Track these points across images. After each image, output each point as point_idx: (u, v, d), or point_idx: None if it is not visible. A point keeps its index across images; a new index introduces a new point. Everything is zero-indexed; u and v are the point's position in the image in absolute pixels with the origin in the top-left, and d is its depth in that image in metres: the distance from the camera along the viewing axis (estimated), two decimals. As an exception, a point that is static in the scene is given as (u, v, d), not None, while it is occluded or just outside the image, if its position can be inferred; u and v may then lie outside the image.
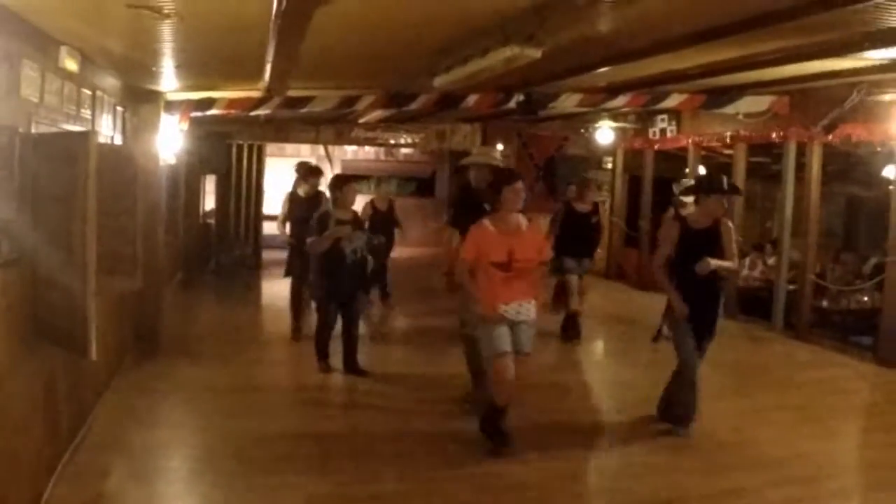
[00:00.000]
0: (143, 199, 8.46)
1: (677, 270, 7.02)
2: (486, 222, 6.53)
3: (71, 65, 5.87)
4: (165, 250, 10.14)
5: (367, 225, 11.06)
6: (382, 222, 12.24)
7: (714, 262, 6.84)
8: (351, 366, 8.79)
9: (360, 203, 11.99)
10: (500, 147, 9.76)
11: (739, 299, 13.11)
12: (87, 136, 4.78)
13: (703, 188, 7.20)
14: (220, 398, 7.91)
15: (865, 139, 10.40)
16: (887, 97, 9.35)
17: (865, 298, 12.26)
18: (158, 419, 7.27)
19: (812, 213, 11.25)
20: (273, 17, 4.67)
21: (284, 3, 4.21)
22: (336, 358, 8.87)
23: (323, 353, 8.82)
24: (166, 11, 4.63)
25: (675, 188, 10.75)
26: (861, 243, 15.98)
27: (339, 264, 8.46)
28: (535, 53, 5.77)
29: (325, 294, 8.67)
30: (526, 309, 6.53)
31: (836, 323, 12.12)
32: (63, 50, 5.73)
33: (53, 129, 5.58)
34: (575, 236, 10.74)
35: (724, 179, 7.35)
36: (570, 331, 10.84)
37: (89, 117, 6.68)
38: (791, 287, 11.90)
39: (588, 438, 7.27)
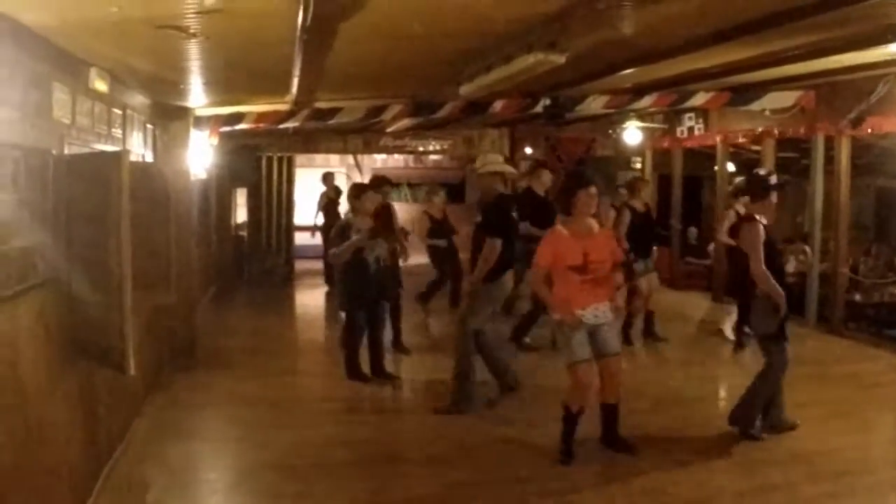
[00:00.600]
0: (175, 214, 8.60)
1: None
2: (560, 227, 6.55)
3: (101, 86, 5.97)
4: (198, 264, 10.26)
5: (427, 234, 12.09)
6: (440, 230, 12.52)
7: None
8: (378, 370, 8.93)
9: (400, 211, 12.16)
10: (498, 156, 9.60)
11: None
12: (118, 156, 4.86)
13: (763, 186, 7.13)
14: (255, 409, 7.99)
15: (894, 131, 10.35)
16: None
17: (898, 291, 12.19)
18: (196, 432, 7.38)
19: (842, 206, 11.19)
20: (298, 33, 4.75)
21: (309, 20, 4.28)
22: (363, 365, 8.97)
23: (354, 366, 8.88)
24: (192, 31, 4.71)
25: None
26: (893, 235, 15.86)
27: (363, 273, 8.67)
28: (559, 59, 5.79)
29: (351, 302, 8.88)
30: (603, 312, 6.51)
31: (869, 316, 12.05)
32: (93, 71, 5.82)
33: (86, 150, 5.67)
34: (641, 236, 10.69)
35: (774, 175, 7.32)
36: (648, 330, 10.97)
37: (120, 136, 6.78)
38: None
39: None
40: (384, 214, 9.69)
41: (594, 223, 6.63)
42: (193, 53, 5.64)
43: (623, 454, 6.59)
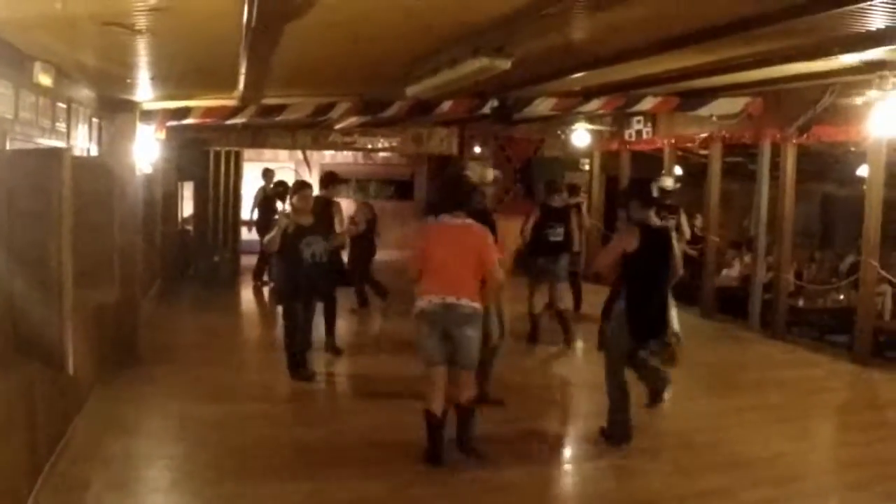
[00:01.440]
0: (119, 209, 8.49)
1: None
2: None
3: (45, 80, 5.87)
4: (143, 259, 10.10)
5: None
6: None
7: None
8: (330, 342, 9.68)
9: (348, 208, 12.09)
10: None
11: (717, 299, 13.21)
12: (60, 154, 4.79)
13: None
14: (198, 406, 7.88)
15: (839, 140, 10.51)
16: (859, 100, 9.43)
17: (841, 297, 12.36)
18: (137, 429, 7.27)
19: (787, 213, 11.33)
20: (244, 31, 4.70)
21: (254, 19, 4.24)
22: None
23: (292, 362, 8.82)
24: (139, 28, 4.65)
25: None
26: (838, 241, 16.11)
27: (296, 267, 8.67)
28: (505, 64, 5.80)
29: (287, 294, 8.91)
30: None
31: (812, 322, 12.23)
32: (37, 65, 5.73)
33: (29, 145, 5.58)
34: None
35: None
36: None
37: (64, 130, 6.67)
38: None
39: (562, 442, 7.40)
40: (326, 211, 9.67)
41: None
42: (139, 49, 5.57)
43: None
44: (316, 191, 10.01)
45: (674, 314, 10.07)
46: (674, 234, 7.61)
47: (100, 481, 5.99)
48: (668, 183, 11.53)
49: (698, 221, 14.37)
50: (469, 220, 6.45)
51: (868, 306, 9.86)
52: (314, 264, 8.72)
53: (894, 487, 6.11)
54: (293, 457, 6.66)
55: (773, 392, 8.83)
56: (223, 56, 5.87)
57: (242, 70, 6.46)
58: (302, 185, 9.24)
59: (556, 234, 10.61)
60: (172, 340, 10.64)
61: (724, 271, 14.59)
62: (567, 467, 6.84)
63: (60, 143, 6.42)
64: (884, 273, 10.02)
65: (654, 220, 7.06)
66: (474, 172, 7.85)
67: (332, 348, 9.97)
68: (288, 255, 8.68)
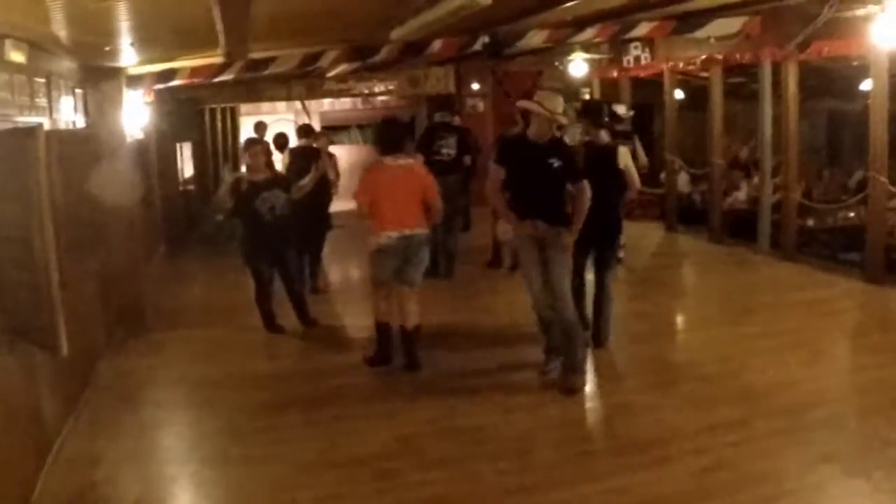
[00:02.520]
0: (111, 178, 8.40)
1: None
2: None
3: (17, 56, 5.72)
4: (143, 225, 10.00)
5: None
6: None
7: None
8: (303, 318, 9.09)
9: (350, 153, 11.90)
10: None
11: (725, 223, 13.08)
12: (34, 132, 4.66)
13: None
14: (206, 370, 7.87)
15: (840, 54, 10.27)
16: (859, 12, 9.17)
17: (851, 214, 12.23)
18: (146, 399, 7.23)
19: (791, 132, 11.12)
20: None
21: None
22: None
23: (267, 318, 8.95)
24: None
25: None
26: (845, 157, 15.92)
27: (256, 224, 8.57)
28: (485, 1, 5.61)
29: (249, 256, 8.80)
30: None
31: (823, 241, 12.10)
32: (7, 43, 5.57)
33: (8, 124, 5.45)
34: None
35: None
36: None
37: (45, 105, 6.53)
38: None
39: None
40: (307, 160, 9.68)
41: None
42: (111, 17, 5.42)
43: None
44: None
45: None
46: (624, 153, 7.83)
47: (110, 456, 5.95)
48: (621, 110, 11.47)
49: (743, 153, 14.18)
50: (410, 161, 7.59)
51: (878, 224, 9.69)
52: (275, 219, 8.59)
53: (909, 411, 6.01)
54: (303, 417, 6.58)
55: (785, 316, 8.73)
56: (197, 14, 5.70)
57: (219, 27, 6.28)
58: (251, 142, 9.19)
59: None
60: (178, 304, 10.57)
61: (732, 194, 14.45)
62: (578, 406, 6.71)
63: (41, 119, 6.27)
64: (893, 189, 9.83)
65: (603, 138, 7.81)
66: (544, 104, 7.23)
67: (305, 319, 9.26)
68: (245, 215, 8.61)
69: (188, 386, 7.55)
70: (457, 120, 11.74)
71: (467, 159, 11.31)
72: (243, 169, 9.67)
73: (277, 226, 8.60)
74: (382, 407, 6.69)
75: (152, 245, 12.36)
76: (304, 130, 11.11)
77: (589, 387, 7.04)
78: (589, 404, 6.79)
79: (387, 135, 7.60)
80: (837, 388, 6.71)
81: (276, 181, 8.77)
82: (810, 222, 12.27)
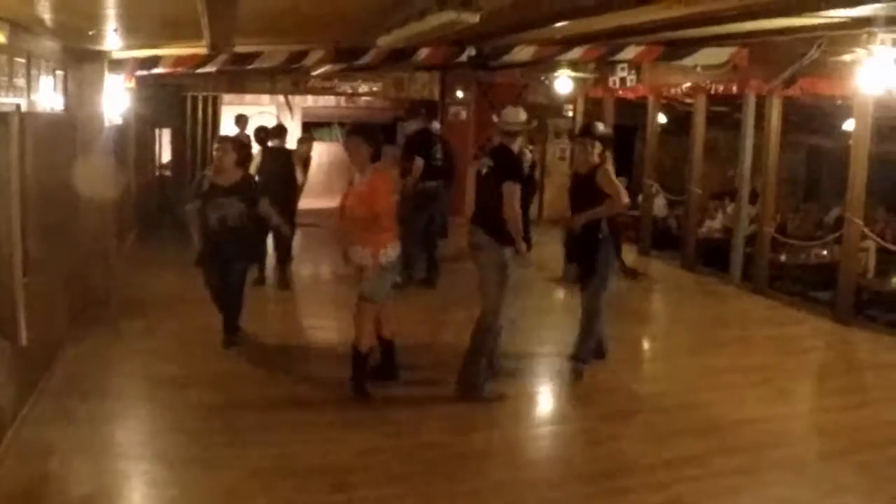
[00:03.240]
0: (87, 162, 8.31)
1: None
2: None
3: (-1, 37, 5.62)
4: (115, 211, 9.87)
5: None
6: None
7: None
8: (227, 328, 8.38)
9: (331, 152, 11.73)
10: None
11: (699, 250, 13.11)
12: (7, 118, 4.59)
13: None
14: (168, 365, 7.74)
15: (825, 94, 10.32)
16: (847, 57, 9.20)
17: (825, 252, 12.27)
18: (105, 389, 7.13)
19: (770, 166, 11.15)
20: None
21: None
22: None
23: (226, 325, 8.37)
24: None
25: None
26: (823, 194, 16.02)
27: (204, 231, 8.08)
28: (473, 18, 5.56)
29: (198, 259, 8.24)
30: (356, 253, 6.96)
31: (795, 277, 12.15)
32: (-13, 23, 5.47)
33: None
34: None
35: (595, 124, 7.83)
36: None
37: (23, 86, 6.41)
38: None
39: (531, 404, 7.32)
40: (285, 162, 9.73)
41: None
42: (96, 3, 5.33)
43: None
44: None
45: None
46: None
47: (65, 445, 5.89)
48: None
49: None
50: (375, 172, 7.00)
51: (850, 264, 9.74)
52: (223, 230, 7.98)
53: (869, 457, 6.01)
54: (261, 420, 6.52)
55: (752, 351, 8.76)
56: (182, 8, 5.62)
57: (205, 22, 6.20)
58: (220, 140, 8.76)
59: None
60: (144, 294, 10.37)
61: (707, 222, 14.50)
62: (532, 433, 6.71)
63: (19, 100, 6.16)
64: (867, 231, 9.89)
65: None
66: (508, 118, 7.55)
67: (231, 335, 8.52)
68: (200, 218, 8.08)
69: (148, 379, 7.46)
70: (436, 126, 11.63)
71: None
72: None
73: (225, 237, 8.01)
74: (343, 416, 6.64)
75: (124, 230, 12.23)
76: (278, 131, 11.09)
77: (551, 411, 7.05)
78: (549, 428, 6.80)
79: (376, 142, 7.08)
80: (799, 429, 6.72)
81: (239, 187, 8.13)
82: (783, 257, 12.30)
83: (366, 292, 6.86)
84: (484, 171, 7.13)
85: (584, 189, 7.45)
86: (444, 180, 11.06)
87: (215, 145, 8.50)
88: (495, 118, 7.30)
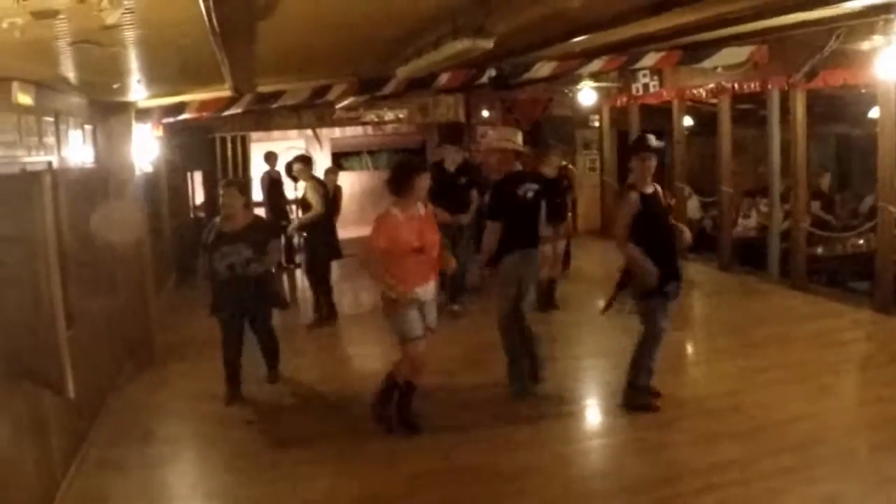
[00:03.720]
0: (120, 213, 8.45)
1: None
2: (394, 209, 6.68)
3: (25, 99, 5.76)
4: (151, 257, 10.02)
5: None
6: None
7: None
8: (270, 373, 8.39)
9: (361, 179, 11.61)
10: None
11: (735, 250, 13.06)
12: (38, 177, 4.71)
13: (635, 148, 7.20)
14: (214, 405, 7.85)
15: (848, 83, 10.27)
16: (865, 45, 9.17)
17: (861, 242, 12.16)
18: (154, 433, 7.26)
19: (800, 160, 11.10)
20: (211, 36, 4.57)
21: (217, 24, 4.11)
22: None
23: (229, 378, 7.99)
24: (104, 43, 4.53)
25: None
26: (855, 182, 15.88)
27: (217, 281, 7.81)
28: (487, 44, 5.65)
29: (213, 306, 7.94)
30: (430, 289, 6.80)
31: (833, 269, 12.06)
32: (15, 85, 5.59)
33: (14, 166, 5.48)
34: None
35: (648, 137, 7.26)
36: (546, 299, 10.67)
37: (53, 144, 6.57)
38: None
39: (576, 419, 7.30)
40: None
41: (421, 205, 6.82)
42: (117, 61, 5.45)
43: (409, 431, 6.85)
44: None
45: None
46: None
47: (118, 492, 6.03)
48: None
49: (825, 181, 13.96)
50: (420, 206, 6.78)
51: (887, 253, 9.63)
52: (234, 279, 7.67)
53: (916, 448, 5.98)
54: (310, 455, 6.60)
55: (792, 348, 8.69)
56: (200, 57, 5.73)
57: (224, 67, 6.33)
58: (226, 185, 8.34)
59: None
60: (187, 337, 10.43)
61: (741, 221, 14.43)
62: (580, 445, 6.73)
63: (50, 158, 6.32)
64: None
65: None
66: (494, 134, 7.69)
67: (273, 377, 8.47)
68: (210, 268, 7.82)
69: (196, 421, 7.59)
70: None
71: (474, 194, 10.84)
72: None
73: (237, 286, 7.71)
74: (384, 445, 6.69)
75: (162, 275, 12.38)
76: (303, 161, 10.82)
77: (596, 424, 7.07)
78: (595, 441, 6.79)
79: (397, 180, 6.75)
80: (843, 424, 6.66)
81: (246, 233, 7.75)
82: (819, 250, 12.21)
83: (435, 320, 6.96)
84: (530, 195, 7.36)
85: (655, 213, 7.01)
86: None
87: (220, 191, 8.20)
88: (481, 138, 7.30)
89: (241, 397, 7.95)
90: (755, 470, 5.82)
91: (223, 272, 7.66)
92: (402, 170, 6.77)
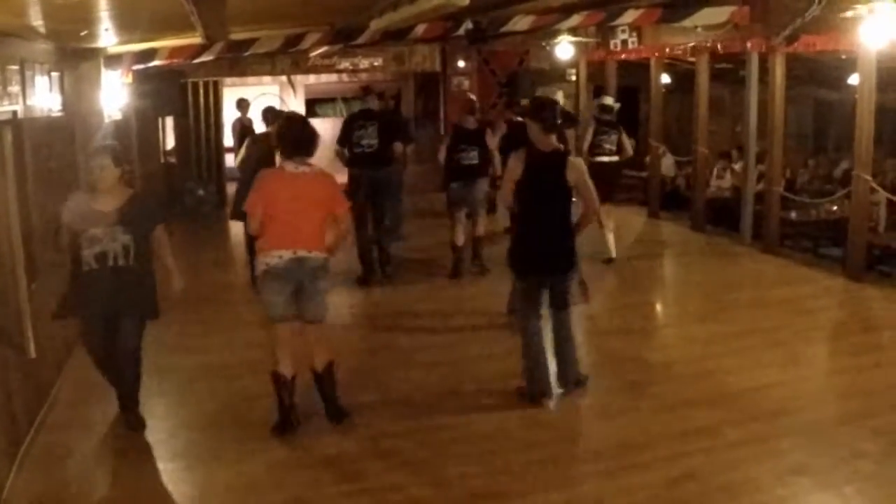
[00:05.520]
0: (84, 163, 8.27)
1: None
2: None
3: (-14, 47, 5.59)
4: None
5: None
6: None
7: None
8: (124, 404, 6.33)
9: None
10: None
11: (708, 210, 13.05)
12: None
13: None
14: (181, 359, 7.74)
15: (828, 49, 10.21)
16: (849, 13, 9.08)
17: (835, 208, 12.20)
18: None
19: (776, 125, 11.07)
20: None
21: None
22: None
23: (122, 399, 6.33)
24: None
25: None
26: (831, 146, 15.92)
27: (77, 274, 5.96)
28: (462, 1, 5.52)
29: (72, 311, 6.27)
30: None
31: (806, 234, 12.10)
32: (-25, 35, 5.43)
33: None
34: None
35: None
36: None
37: (18, 91, 6.38)
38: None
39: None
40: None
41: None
42: (83, 8, 5.30)
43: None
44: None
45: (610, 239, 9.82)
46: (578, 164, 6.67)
47: (82, 448, 5.95)
48: (608, 101, 11.30)
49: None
50: (315, 168, 6.09)
51: (860, 220, 9.66)
52: (102, 270, 5.90)
53: (883, 422, 5.97)
54: (270, 411, 6.44)
55: (763, 314, 8.70)
56: (169, 6, 5.60)
57: (194, 15, 6.17)
58: (95, 150, 6.28)
59: (470, 158, 10.01)
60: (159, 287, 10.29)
61: (715, 181, 14.43)
62: (544, 408, 6.56)
63: (14, 108, 6.13)
64: (876, 186, 9.81)
65: (552, 143, 6.41)
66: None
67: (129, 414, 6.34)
68: (71, 257, 5.99)
69: (162, 376, 7.43)
70: (373, 103, 10.32)
71: (398, 147, 10.22)
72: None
73: (109, 282, 5.96)
74: (351, 403, 6.55)
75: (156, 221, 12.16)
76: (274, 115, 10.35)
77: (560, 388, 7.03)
78: (561, 404, 6.73)
79: (290, 135, 6.09)
80: (813, 394, 6.68)
81: (126, 213, 5.99)
82: (793, 214, 12.24)
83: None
84: None
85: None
86: (385, 167, 10.12)
87: (90, 160, 6.17)
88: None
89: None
90: (723, 439, 5.81)
91: (90, 262, 5.87)
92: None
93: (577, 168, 6.40)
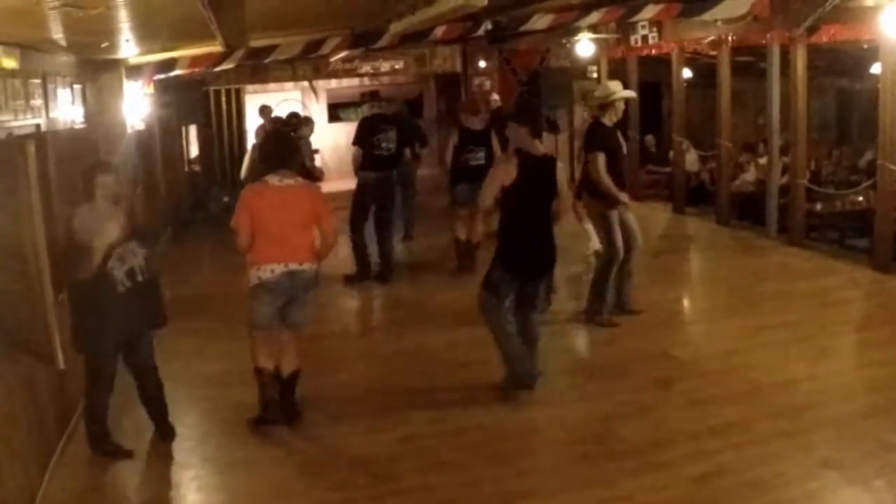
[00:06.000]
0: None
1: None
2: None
3: (9, 63, 5.65)
4: (146, 214, 9.90)
5: None
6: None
7: None
8: (162, 430, 6.26)
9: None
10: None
11: (733, 204, 12.98)
12: (22, 144, 4.61)
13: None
14: (208, 367, 7.75)
15: (850, 39, 10.13)
16: (870, 2, 9.01)
17: (861, 199, 12.09)
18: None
19: (799, 116, 10.99)
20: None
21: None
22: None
23: (100, 431, 5.95)
24: (88, 6, 4.43)
25: None
26: (855, 136, 15.78)
27: (107, 298, 5.61)
28: (481, 1, 5.52)
29: (94, 345, 5.75)
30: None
31: (831, 225, 12.00)
32: (-1, 50, 5.49)
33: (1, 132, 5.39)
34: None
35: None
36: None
37: (41, 105, 6.45)
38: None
39: (573, 378, 7.20)
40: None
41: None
42: (102, 22, 5.34)
43: None
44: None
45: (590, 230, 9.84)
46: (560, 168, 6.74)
47: (113, 456, 5.94)
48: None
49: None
50: (299, 180, 6.21)
51: (887, 210, 9.55)
52: (134, 287, 5.72)
53: (913, 412, 5.93)
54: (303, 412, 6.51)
55: (790, 307, 8.64)
56: (187, 13, 5.63)
57: (212, 24, 6.21)
58: (98, 170, 5.84)
59: (477, 159, 10.02)
60: (181, 294, 10.25)
61: (740, 175, 14.35)
62: (576, 407, 6.59)
63: (37, 121, 6.21)
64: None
65: (539, 149, 6.56)
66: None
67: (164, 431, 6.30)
68: (91, 283, 5.53)
69: (189, 383, 7.47)
70: (384, 107, 10.94)
71: (408, 153, 10.74)
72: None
73: (136, 295, 5.75)
74: (380, 404, 6.65)
75: (159, 231, 12.28)
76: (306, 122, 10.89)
77: (591, 383, 7.00)
78: (590, 403, 6.72)
79: (274, 149, 6.22)
80: (841, 387, 6.61)
81: (137, 227, 5.98)
82: (818, 206, 12.14)
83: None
84: None
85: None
86: (396, 169, 10.53)
87: (90, 179, 5.72)
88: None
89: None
90: (751, 434, 5.76)
91: (124, 281, 5.67)
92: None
93: (561, 170, 6.60)
